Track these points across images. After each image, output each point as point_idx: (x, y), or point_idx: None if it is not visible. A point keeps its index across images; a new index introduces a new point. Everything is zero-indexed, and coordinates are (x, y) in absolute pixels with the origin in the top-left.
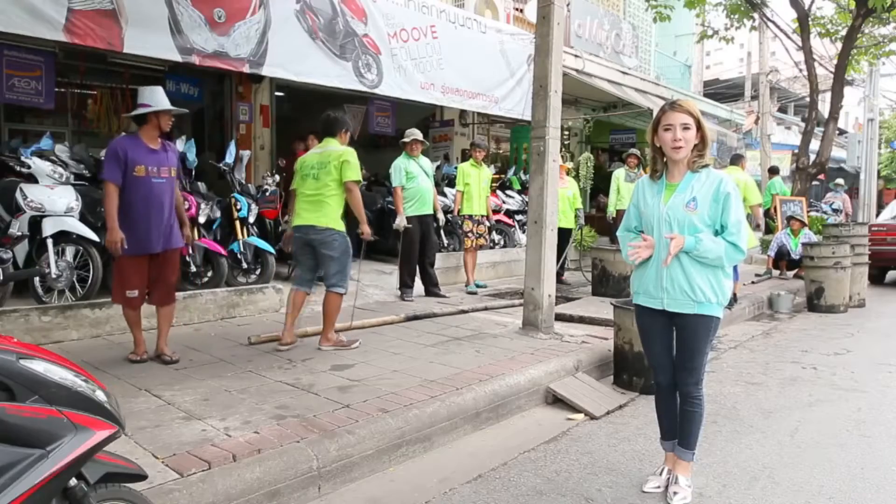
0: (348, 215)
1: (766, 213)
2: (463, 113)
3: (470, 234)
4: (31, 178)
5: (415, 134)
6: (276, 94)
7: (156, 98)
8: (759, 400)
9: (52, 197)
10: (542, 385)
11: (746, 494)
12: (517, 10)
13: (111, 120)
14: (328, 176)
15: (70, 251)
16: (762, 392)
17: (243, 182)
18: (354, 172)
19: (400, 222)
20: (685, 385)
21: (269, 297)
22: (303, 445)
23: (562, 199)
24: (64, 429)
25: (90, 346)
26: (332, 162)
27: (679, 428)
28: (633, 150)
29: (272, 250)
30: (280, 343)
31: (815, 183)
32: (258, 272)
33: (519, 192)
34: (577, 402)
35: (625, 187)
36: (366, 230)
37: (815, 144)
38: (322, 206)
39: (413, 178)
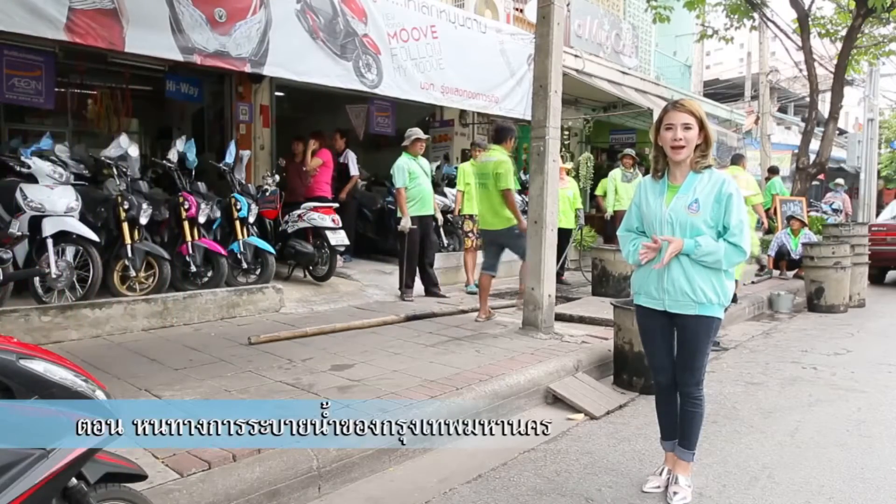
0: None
1: (766, 214)
2: (463, 113)
3: (470, 234)
4: (31, 178)
5: (418, 133)
6: (276, 94)
7: None
8: (759, 400)
9: (52, 197)
10: (542, 385)
11: (746, 494)
12: (517, 10)
13: (111, 120)
14: (492, 185)
15: (70, 251)
16: (762, 392)
17: (243, 182)
18: (506, 181)
19: (405, 224)
20: (686, 385)
21: (269, 297)
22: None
23: (562, 199)
24: (64, 429)
25: (90, 346)
26: (491, 172)
27: (679, 428)
28: (628, 151)
29: (272, 250)
30: (479, 315)
31: (815, 183)
32: (258, 272)
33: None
34: (577, 402)
35: (622, 188)
36: (523, 226)
37: (815, 144)
38: (496, 211)
39: (415, 178)
